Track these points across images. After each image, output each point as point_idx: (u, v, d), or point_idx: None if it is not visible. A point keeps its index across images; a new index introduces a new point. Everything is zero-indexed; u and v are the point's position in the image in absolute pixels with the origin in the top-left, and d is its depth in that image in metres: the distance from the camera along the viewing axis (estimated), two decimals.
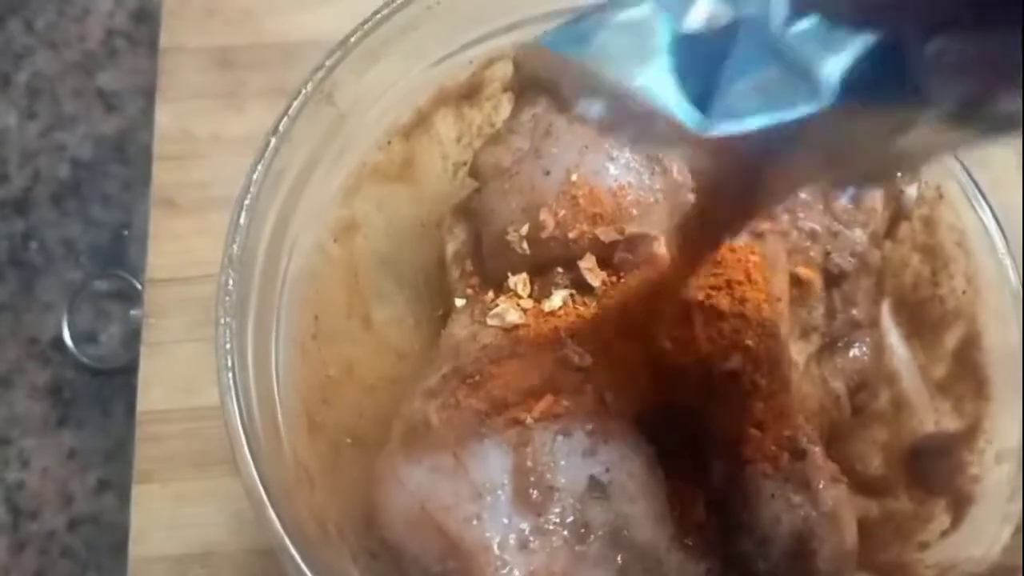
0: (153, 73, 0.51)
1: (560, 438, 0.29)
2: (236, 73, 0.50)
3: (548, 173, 0.33)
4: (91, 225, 0.51)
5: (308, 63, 0.35)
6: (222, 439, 0.43)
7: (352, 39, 0.35)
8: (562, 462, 0.29)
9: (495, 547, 0.27)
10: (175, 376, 0.44)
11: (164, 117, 0.49)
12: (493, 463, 0.29)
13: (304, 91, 0.33)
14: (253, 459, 0.29)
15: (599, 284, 0.33)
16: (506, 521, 0.28)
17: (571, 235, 0.32)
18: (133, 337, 0.48)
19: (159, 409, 0.44)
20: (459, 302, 0.36)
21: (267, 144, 0.32)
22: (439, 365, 0.33)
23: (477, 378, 0.31)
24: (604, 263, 0.33)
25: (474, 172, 0.36)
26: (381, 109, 0.37)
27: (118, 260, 0.51)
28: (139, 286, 0.48)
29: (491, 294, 0.34)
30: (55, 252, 0.51)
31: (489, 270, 0.35)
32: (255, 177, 0.32)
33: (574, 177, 0.32)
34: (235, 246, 0.31)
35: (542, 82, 0.35)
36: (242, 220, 0.31)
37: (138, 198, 0.51)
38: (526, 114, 0.35)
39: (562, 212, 0.32)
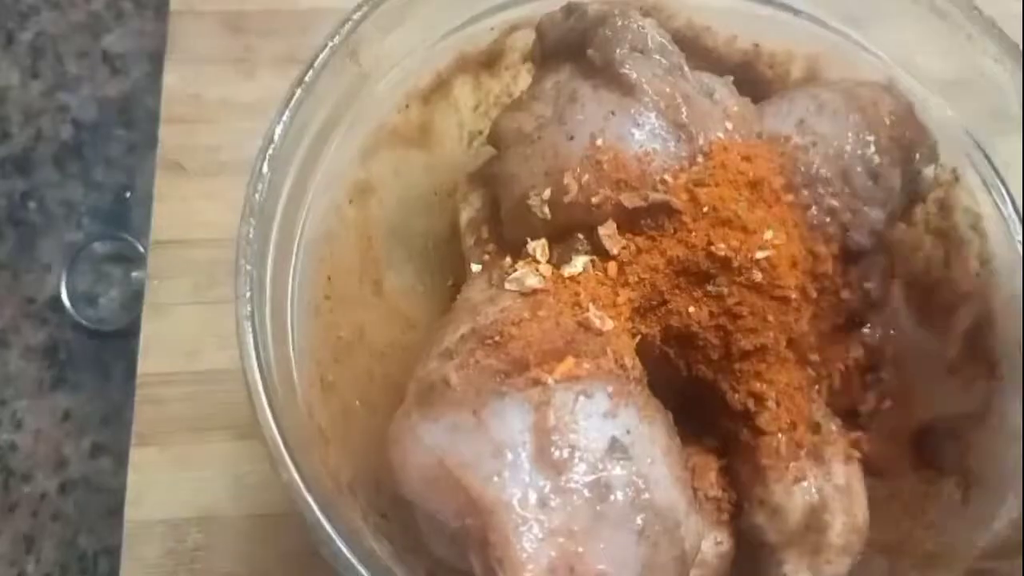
0: (159, 36, 0.51)
1: (582, 399, 0.29)
2: (247, 39, 0.49)
3: (572, 138, 0.33)
4: (92, 187, 0.51)
5: (320, 31, 0.34)
6: (223, 404, 0.43)
7: None
8: (583, 423, 0.28)
9: (516, 504, 0.27)
10: (177, 339, 0.44)
11: (172, 80, 0.48)
12: (514, 421, 0.28)
13: (330, 44, 0.33)
14: (272, 414, 0.28)
15: (618, 250, 0.32)
16: (527, 479, 0.27)
17: (594, 200, 0.32)
18: (133, 300, 0.47)
19: (159, 372, 0.43)
20: (475, 267, 0.35)
21: (291, 95, 0.32)
22: (456, 327, 0.32)
23: (497, 339, 0.30)
24: (626, 229, 0.32)
25: (494, 138, 0.36)
26: (402, 71, 0.36)
27: (119, 222, 0.50)
28: (141, 248, 0.48)
29: (508, 260, 0.34)
30: (55, 213, 0.50)
31: (507, 236, 0.35)
32: (279, 128, 0.32)
33: (599, 142, 0.32)
34: (257, 195, 0.30)
35: (567, 48, 0.34)
36: (265, 169, 0.31)
37: (141, 161, 0.50)
38: (549, 81, 0.35)
39: (586, 177, 0.32)
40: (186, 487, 0.42)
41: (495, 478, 0.27)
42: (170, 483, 0.42)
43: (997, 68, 0.35)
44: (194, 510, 0.42)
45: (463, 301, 0.34)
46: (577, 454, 0.28)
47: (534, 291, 0.32)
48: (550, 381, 0.29)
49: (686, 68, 0.34)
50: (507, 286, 0.33)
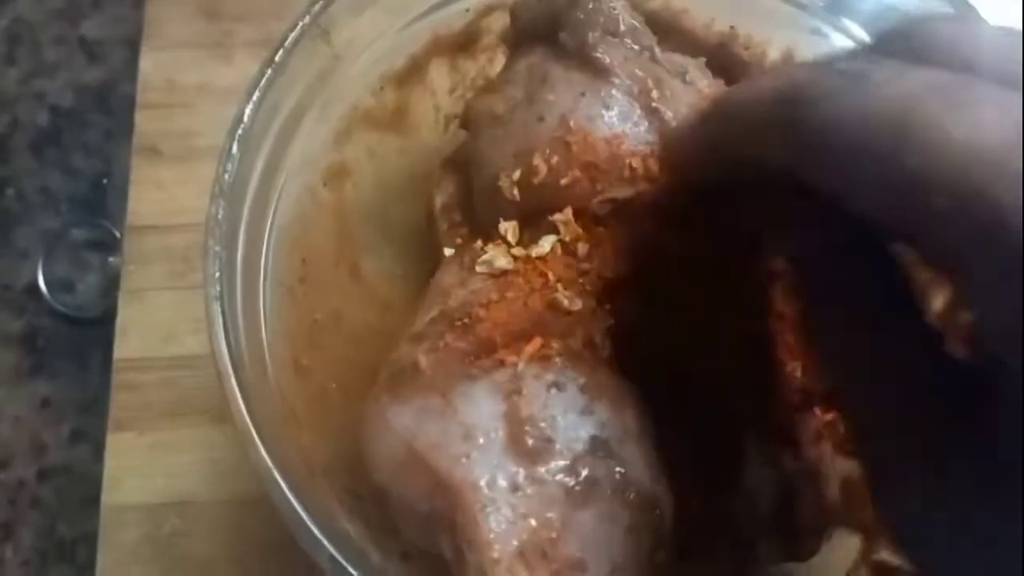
0: (138, 23, 0.51)
1: (554, 391, 0.29)
2: (224, 24, 0.49)
3: (542, 119, 0.32)
4: (70, 174, 0.50)
5: (297, 15, 0.34)
6: (200, 388, 0.43)
7: None
8: (560, 419, 0.28)
9: (484, 486, 0.27)
10: (153, 324, 0.44)
11: (148, 65, 0.48)
12: (484, 406, 0.28)
13: (301, 24, 0.33)
14: (242, 393, 0.28)
15: (570, 239, 0.32)
16: (495, 463, 0.27)
17: (563, 182, 0.32)
18: (111, 287, 0.47)
19: (136, 357, 0.43)
20: (447, 251, 0.35)
21: (262, 75, 0.32)
22: (427, 310, 0.32)
23: (466, 321, 0.30)
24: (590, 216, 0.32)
25: (465, 121, 0.36)
26: (375, 53, 0.36)
27: (97, 210, 0.50)
28: (118, 235, 0.47)
29: (480, 243, 0.34)
30: (33, 200, 0.50)
31: (480, 219, 0.35)
32: (248, 108, 0.31)
33: (570, 124, 0.32)
34: (227, 175, 0.30)
35: (540, 30, 0.34)
36: (234, 149, 0.31)
37: (119, 148, 0.50)
38: (521, 64, 0.35)
39: (555, 159, 0.32)
40: (164, 472, 0.42)
41: (463, 459, 0.27)
42: (147, 469, 0.42)
43: None
44: (171, 495, 0.42)
45: (435, 285, 0.34)
46: (554, 447, 0.28)
47: (504, 272, 0.32)
48: (520, 364, 0.29)
49: (658, 50, 0.34)
50: (477, 268, 0.32)
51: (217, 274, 0.30)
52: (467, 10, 0.38)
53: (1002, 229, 0.17)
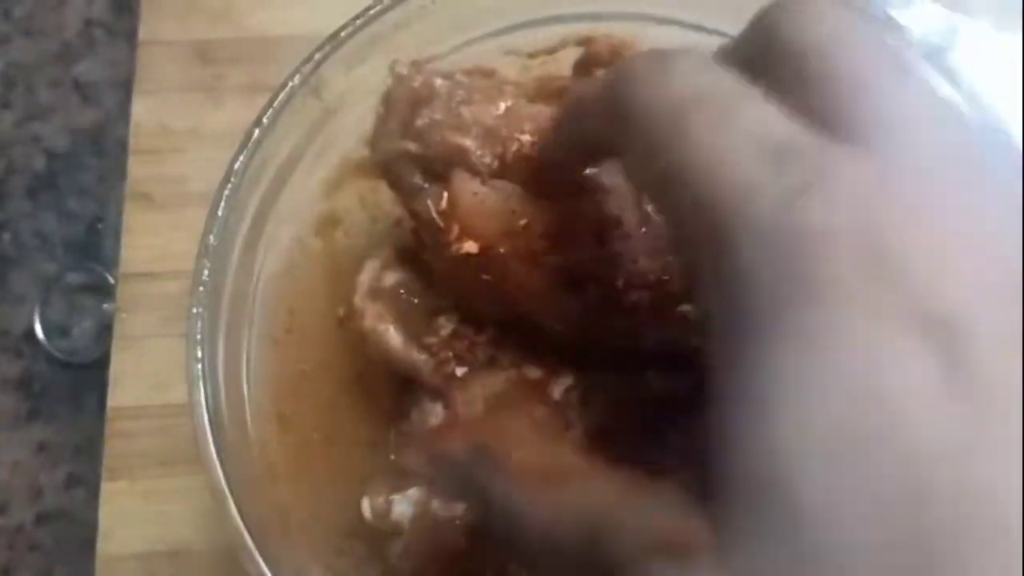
0: (132, 65, 0.51)
1: None
2: (215, 67, 0.50)
3: None
4: (66, 218, 0.51)
5: (289, 59, 0.35)
6: (192, 437, 0.43)
7: (342, 34, 0.35)
8: None
9: None
10: (146, 372, 0.44)
11: (140, 110, 0.49)
12: None
13: (291, 84, 0.33)
14: (218, 453, 0.29)
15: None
16: None
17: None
18: (106, 331, 0.47)
19: (129, 405, 0.44)
20: None
21: (250, 136, 0.32)
22: None
23: None
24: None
25: None
26: (368, 106, 0.36)
27: (92, 253, 0.50)
28: (112, 280, 0.48)
29: None
30: (29, 244, 0.50)
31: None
32: (236, 167, 0.32)
33: None
34: (212, 236, 0.31)
35: None
36: (220, 212, 0.31)
37: (113, 191, 0.50)
38: None
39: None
40: (157, 520, 0.42)
41: None
42: (141, 517, 0.42)
43: None
44: (165, 544, 0.42)
45: None
46: None
47: None
48: None
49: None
50: None
51: (199, 336, 0.30)
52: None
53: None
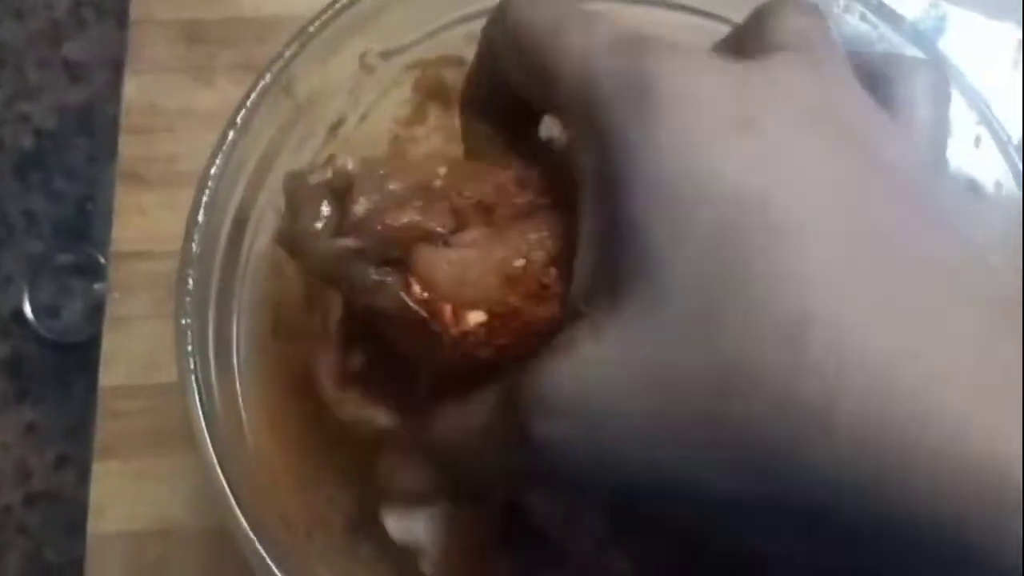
0: (121, 45, 0.51)
1: None
2: (207, 47, 0.49)
3: None
4: (54, 197, 0.51)
5: (280, 40, 0.34)
6: (183, 417, 0.43)
7: (310, 28, 0.34)
8: None
9: None
10: (138, 352, 0.44)
11: (131, 90, 0.48)
12: None
13: (262, 83, 0.33)
14: (219, 462, 0.29)
15: None
16: None
17: None
18: (96, 312, 0.47)
19: (121, 385, 0.43)
20: None
21: (225, 138, 0.32)
22: None
23: None
24: None
25: None
26: (341, 101, 0.36)
27: (82, 234, 0.50)
28: (103, 260, 0.47)
29: None
30: (17, 224, 0.50)
31: None
32: (213, 172, 0.31)
33: None
34: (194, 244, 0.30)
35: None
36: (200, 219, 0.31)
37: (103, 171, 0.50)
38: None
39: None
40: (149, 500, 0.42)
41: None
42: (133, 496, 0.42)
43: None
44: (156, 523, 0.42)
45: None
46: None
47: None
48: None
49: None
50: None
51: (190, 347, 0.30)
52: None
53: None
